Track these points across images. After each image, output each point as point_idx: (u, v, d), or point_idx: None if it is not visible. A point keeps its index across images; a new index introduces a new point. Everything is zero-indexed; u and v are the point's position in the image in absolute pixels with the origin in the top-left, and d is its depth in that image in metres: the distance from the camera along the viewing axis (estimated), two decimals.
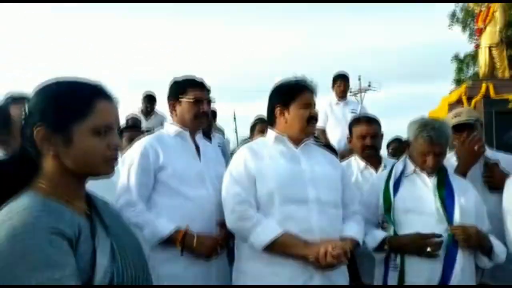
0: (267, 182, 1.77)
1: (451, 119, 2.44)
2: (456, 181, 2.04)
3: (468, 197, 1.98)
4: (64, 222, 0.87)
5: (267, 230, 1.70)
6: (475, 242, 1.87)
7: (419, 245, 1.84)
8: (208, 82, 2.09)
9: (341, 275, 1.80)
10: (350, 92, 21.84)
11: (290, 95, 1.88)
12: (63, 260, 0.83)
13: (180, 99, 2.01)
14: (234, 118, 8.56)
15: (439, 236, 1.83)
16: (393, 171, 2.09)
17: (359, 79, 22.89)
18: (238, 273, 1.83)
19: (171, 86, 2.07)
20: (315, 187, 1.78)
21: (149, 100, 5.43)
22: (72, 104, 0.94)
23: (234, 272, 1.86)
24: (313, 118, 1.88)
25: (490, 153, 2.45)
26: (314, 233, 1.71)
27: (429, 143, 1.96)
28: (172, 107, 2.05)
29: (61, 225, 0.86)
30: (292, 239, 1.69)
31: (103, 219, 0.99)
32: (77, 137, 0.93)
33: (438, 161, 1.99)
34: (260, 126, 3.57)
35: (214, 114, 5.06)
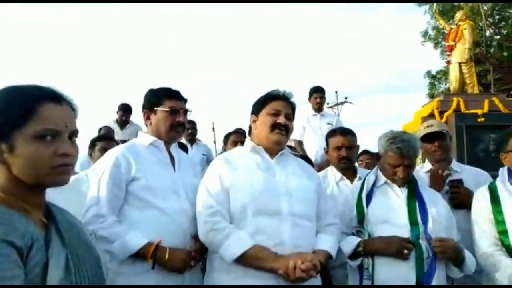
0: (241, 194, 1.75)
1: (423, 129, 2.52)
2: (426, 192, 2.09)
3: (438, 208, 2.03)
4: (15, 231, 0.84)
5: (237, 243, 1.68)
6: (452, 255, 1.91)
7: (397, 247, 1.87)
8: (188, 92, 2.07)
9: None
10: (327, 104, 22.25)
11: (262, 103, 1.91)
12: (10, 271, 0.79)
13: (156, 109, 1.98)
14: (213, 129, 8.55)
15: (413, 242, 1.88)
16: (366, 183, 2.12)
17: (336, 93, 23.41)
18: (209, 284, 1.81)
19: (146, 96, 2.04)
20: (289, 200, 1.77)
21: (125, 110, 5.34)
22: (11, 109, 0.90)
23: (205, 283, 1.84)
24: (278, 126, 1.85)
25: (457, 165, 2.54)
26: (286, 246, 1.70)
27: (399, 156, 2.01)
28: (147, 117, 2.02)
29: (11, 234, 0.83)
30: (262, 252, 1.67)
31: (60, 230, 0.96)
32: (19, 144, 0.90)
33: (408, 173, 2.04)
34: (233, 137, 3.57)
35: (195, 124, 5.06)
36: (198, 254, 1.84)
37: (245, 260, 1.66)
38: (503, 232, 1.91)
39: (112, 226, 1.77)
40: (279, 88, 1.95)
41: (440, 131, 2.47)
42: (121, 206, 1.83)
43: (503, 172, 2.05)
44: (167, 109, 1.95)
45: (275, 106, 1.87)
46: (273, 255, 1.66)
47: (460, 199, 2.31)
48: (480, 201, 2.04)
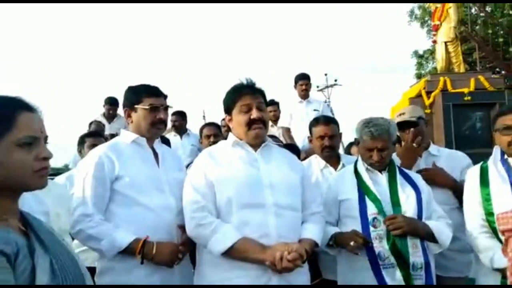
0: (225, 189, 1.76)
1: (396, 117, 2.54)
2: (406, 175, 2.12)
3: (419, 189, 2.06)
4: (1, 239, 0.87)
5: (224, 237, 1.70)
6: (405, 226, 1.91)
7: (346, 239, 1.92)
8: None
9: (301, 276, 1.80)
10: (317, 87, 22.30)
11: (231, 101, 1.89)
12: (2, 276, 0.83)
13: (136, 107, 1.98)
14: (204, 117, 8.54)
15: (368, 242, 1.91)
16: (358, 169, 2.15)
17: (326, 75, 23.47)
18: (198, 278, 1.84)
19: (125, 94, 2.04)
20: (273, 192, 1.78)
21: (111, 103, 5.31)
22: None
23: (195, 276, 1.87)
24: (253, 122, 1.84)
25: (435, 149, 2.57)
26: (271, 237, 1.72)
27: (371, 139, 2.05)
28: (128, 115, 2.02)
29: None
30: (249, 244, 1.69)
31: (39, 236, 0.99)
32: (3, 153, 0.94)
33: (382, 156, 2.06)
34: (206, 130, 3.58)
35: (184, 115, 5.03)
36: (186, 246, 1.87)
37: (232, 253, 1.68)
38: (490, 214, 1.88)
39: (100, 224, 1.80)
40: (241, 78, 1.92)
41: (410, 120, 2.47)
42: (107, 205, 1.85)
43: (496, 152, 2.00)
44: (147, 107, 1.96)
45: (244, 101, 1.85)
46: (259, 247, 1.68)
47: (434, 180, 2.32)
48: (471, 181, 2.02)
